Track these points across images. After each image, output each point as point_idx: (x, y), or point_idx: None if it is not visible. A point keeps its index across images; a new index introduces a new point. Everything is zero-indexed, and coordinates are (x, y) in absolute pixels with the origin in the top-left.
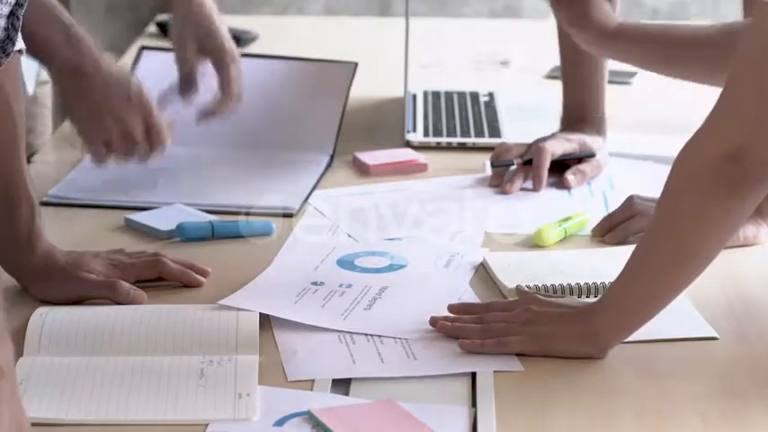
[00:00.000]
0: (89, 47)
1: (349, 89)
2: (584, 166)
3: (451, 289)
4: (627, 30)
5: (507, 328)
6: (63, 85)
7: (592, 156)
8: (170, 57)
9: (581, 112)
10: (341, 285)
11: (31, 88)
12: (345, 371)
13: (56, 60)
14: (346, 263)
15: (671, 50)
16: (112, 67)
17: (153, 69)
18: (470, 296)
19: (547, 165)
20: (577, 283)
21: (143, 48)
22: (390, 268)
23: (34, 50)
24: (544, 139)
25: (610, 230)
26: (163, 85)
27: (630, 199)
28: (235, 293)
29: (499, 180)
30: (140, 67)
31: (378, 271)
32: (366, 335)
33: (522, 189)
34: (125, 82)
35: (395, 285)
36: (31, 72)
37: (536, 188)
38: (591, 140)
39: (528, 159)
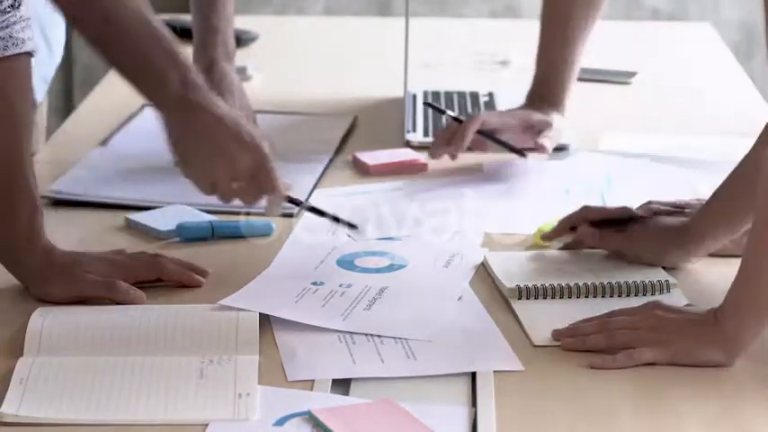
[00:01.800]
0: (202, 88)
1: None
2: (546, 134)
3: (451, 289)
4: (697, 226)
5: (634, 335)
6: (172, 123)
7: (522, 154)
8: None
9: (542, 91)
10: (341, 285)
11: (40, 96)
12: (345, 371)
13: (167, 94)
14: (346, 263)
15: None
16: (224, 109)
17: (151, 123)
18: (470, 296)
19: (472, 128)
20: (576, 284)
21: (145, 105)
22: (390, 268)
23: (146, 83)
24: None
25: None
26: (159, 138)
27: (648, 203)
28: (235, 294)
29: (436, 148)
30: (139, 120)
31: (378, 271)
32: (366, 335)
33: (521, 189)
34: (237, 122)
35: (395, 285)
36: (41, 82)
37: (454, 149)
38: (539, 115)
39: (460, 119)
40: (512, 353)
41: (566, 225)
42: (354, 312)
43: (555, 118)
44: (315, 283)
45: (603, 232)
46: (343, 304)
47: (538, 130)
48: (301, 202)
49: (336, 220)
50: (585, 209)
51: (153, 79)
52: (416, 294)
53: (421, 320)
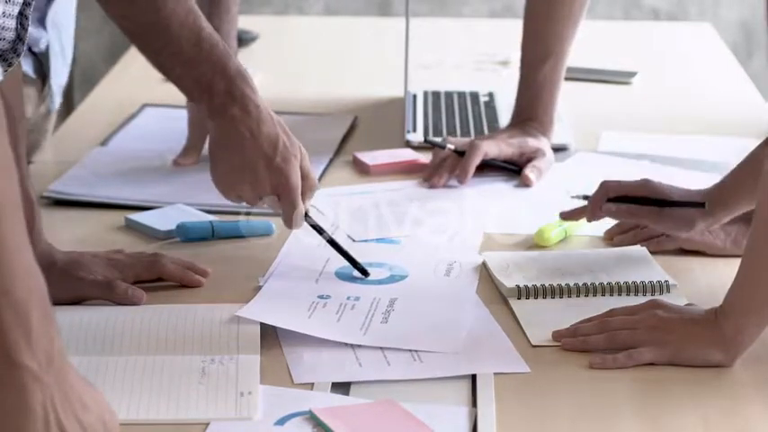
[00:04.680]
0: (249, 99)
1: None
2: (538, 163)
3: (461, 297)
4: (721, 194)
5: (634, 335)
6: (212, 130)
7: (517, 173)
8: (170, 112)
9: (531, 112)
10: (348, 298)
11: (56, 104)
12: (352, 374)
13: (211, 103)
14: (345, 275)
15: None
16: (265, 125)
17: (151, 123)
18: (477, 302)
19: (476, 161)
20: (575, 283)
21: (145, 105)
22: (392, 279)
23: (191, 87)
24: (484, 138)
25: (622, 233)
26: (159, 138)
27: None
28: (250, 304)
29: (431, 173)
30: (139, 120)
31: (380, 282)
32: (408, 351)
33: (521, 189)
34: (273, 142)
35: (403, 297)
36: (58, 90)
37: (460, 180)
38: (534, 141)
39: (462, 151)
40: (517, 355)
41: (593, 204)
42: (373, 326)
43: (545, 143)
44: (321, 297)
45: (632, 208)
46: (357, 318)
47: (530, 157)
48: (323, 231)
49: (351, 260)
50: (605, 185)
51: (198, 86)
52: (429, 305)
53: (443, 332)
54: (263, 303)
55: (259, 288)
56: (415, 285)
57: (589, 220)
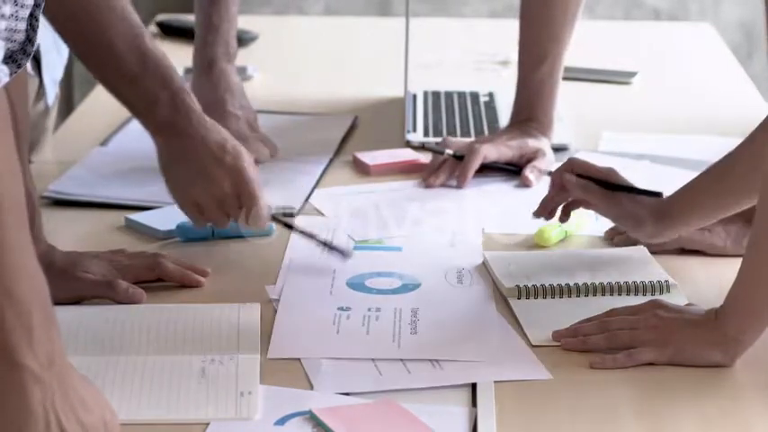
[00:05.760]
0: (192, 111)
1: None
2: (538, 163)
3: (480, 305)
4: (678, 202)
5: (634, 335)
6: (160, 146)
7: (517, 173)
8: None
9: (530, 113)
10: (369, 309)
11: (51, 100)
12: (373, 384)
13: (156, 117)
14: (358, 284)
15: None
16: (211, 132)
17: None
18: (494, 309)
19: (475, 165)
20: (575, 283)
21: None
22: (406, 288)
23: (136, 102)
24: (483, 141)
25: (622, 233)
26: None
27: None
28: (273, 339)
29: (429, 174)
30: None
31: (394, 292)
32: (429, 360)
33: (521, 189)
34: (221, 144)
35: (424, 307)
36: (52, 85)
37: (459, 185)
38: (534, 142)
39: (461, 156)
40: (537, 362)
41: (555, 174)
42: (404, 338)
43: (545, 143)
44: (342, 309)
45: (588, 184)
46: (386, 329)
47: (530, 158)
48: (292, 226)
49: (324, 244)
50: (572, 160)
51: (143, 102)
52: (453, 313)
53: (471, 340)
54: (286, 333)
55: (268, 299)
56: (431, 294)
57: (549, 193)
